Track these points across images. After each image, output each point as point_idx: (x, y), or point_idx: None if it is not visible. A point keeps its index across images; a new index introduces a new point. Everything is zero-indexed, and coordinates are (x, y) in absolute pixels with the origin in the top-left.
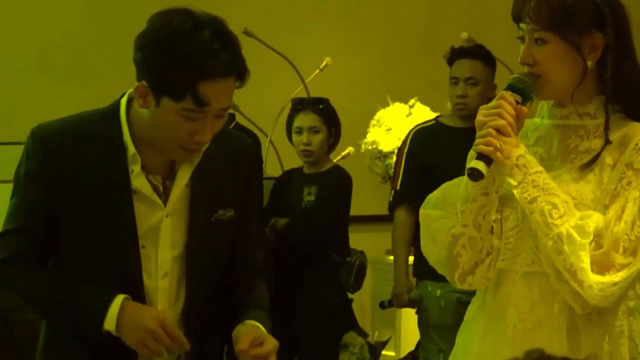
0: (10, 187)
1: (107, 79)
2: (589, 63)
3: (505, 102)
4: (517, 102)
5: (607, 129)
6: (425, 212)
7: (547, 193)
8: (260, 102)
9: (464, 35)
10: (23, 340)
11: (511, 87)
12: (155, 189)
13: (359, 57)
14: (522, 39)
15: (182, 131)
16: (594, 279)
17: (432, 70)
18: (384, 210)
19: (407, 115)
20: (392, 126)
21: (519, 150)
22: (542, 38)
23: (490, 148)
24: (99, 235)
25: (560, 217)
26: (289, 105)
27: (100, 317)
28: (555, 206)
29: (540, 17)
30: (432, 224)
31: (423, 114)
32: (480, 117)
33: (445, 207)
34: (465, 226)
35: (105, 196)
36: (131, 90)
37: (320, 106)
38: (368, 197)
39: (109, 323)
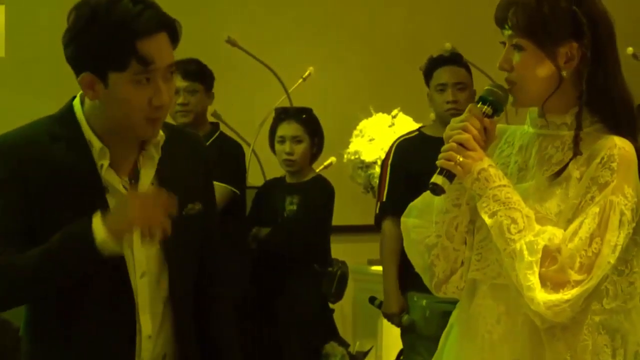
0: None
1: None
2: (564, 72)
3: (472, 115)
4: (487, 115)
5: (576, 141)
6: (405, 220)
7: (507, 207)
8: (243, 112)
9: (448, 45)
10: (9, 350)
11: (482, 99)
12: (124, 188)
13: (342, 67)
14: (504, 43)
15: (139, 100)
16: (541, 297)
17: (415, 80)
18: (366, 221)
19: (389, 126)
20: (375, 136)
21: (481, 164)
22: (519, 44)
23: (451, 163)
24: None
25: (519, 232)
26: (272, 115)
27: (89, 234)
28: (514, 221)
29: (518, 24)
30: (410, 232)
31: (406, 124)
32: (447, 130)
33: (425, 216)
34: (439, 237)
35: (77, 195)
36: (80, 92)
37: (303, 116)
38: (350, 207)
39: (98, 233)
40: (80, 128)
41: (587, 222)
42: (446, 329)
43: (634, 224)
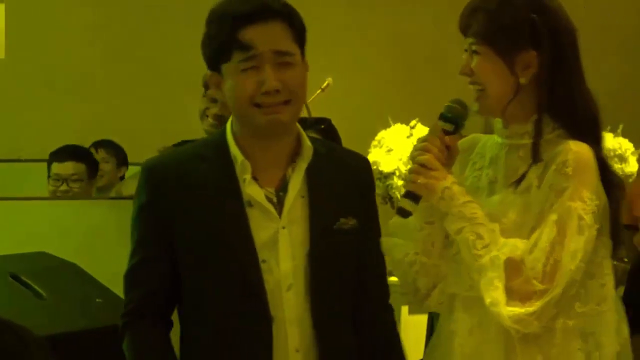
0: (15, 203)
1: (111, 96)
2: (522, 80)
3: (431, 135)
4: (448, 132)
5: (535, 148)
6: (387, 240)
7: (473, 223)
8: None
9: None
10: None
11: (442, 117)
12: (269, 200)
13: (361, 77)
14: (466, 51)
15: (248, 86)
16: (506, 312)
17: (433, 91)
18: (384, 231)
19: (408, 137)
20: (393, 147)
21: (444, 183)
22: (477, 50)
23: (415, 185)
24: (218, 253)
25: (485, 247)
26: None
27: None
28: (479, 236)
29: (477, 30)
30: (391, 251)
31: (424, 135)
32: (412, 151)
33: (405, 234)
34: (417, 254)
35: (218, 212)
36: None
37: (322, 126)
38: None
39: None
40: (228, 146)
41: (546, 231)
42: (431, 342)
43: (597, 226)
